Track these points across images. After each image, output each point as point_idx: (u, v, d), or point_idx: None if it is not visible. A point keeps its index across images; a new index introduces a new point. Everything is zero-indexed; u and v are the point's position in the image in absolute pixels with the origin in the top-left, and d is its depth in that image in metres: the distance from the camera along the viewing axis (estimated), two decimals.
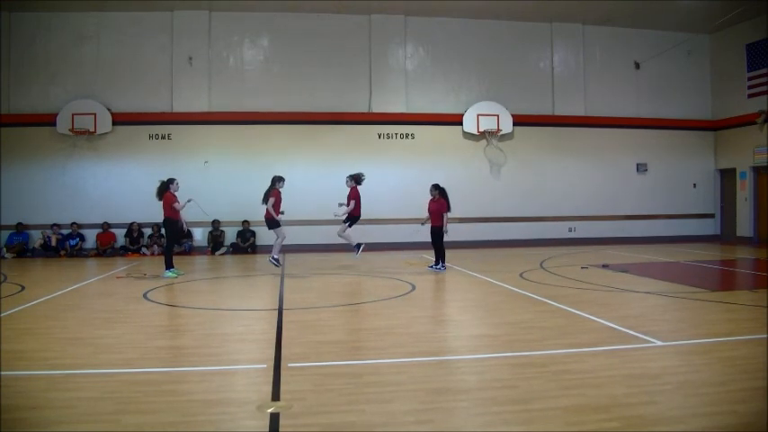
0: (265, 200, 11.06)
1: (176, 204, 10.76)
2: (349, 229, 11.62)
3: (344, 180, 11.78)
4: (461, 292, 9.42)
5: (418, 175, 15.55)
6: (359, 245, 11.64)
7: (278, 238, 11.18)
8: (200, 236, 15.95)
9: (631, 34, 17.92)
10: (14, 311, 7.35)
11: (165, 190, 10.86)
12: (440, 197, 11.37)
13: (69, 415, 3.78)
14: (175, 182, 11.02)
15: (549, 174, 17.43)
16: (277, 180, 11.28)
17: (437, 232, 11.44)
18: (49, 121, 15.32)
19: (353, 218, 11.60)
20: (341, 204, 11.63)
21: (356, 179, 11.66)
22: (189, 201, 10.92)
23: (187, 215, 11.42)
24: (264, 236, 14.64)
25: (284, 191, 11.49)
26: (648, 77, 18.01)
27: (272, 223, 11.11)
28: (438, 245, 11.47)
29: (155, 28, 15.96)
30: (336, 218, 11.71)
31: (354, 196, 11.52)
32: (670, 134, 18.19)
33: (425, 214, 11.66)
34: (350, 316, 7.48)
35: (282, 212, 11.19)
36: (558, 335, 5.96)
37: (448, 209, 11.36)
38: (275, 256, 11.18)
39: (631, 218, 17.88)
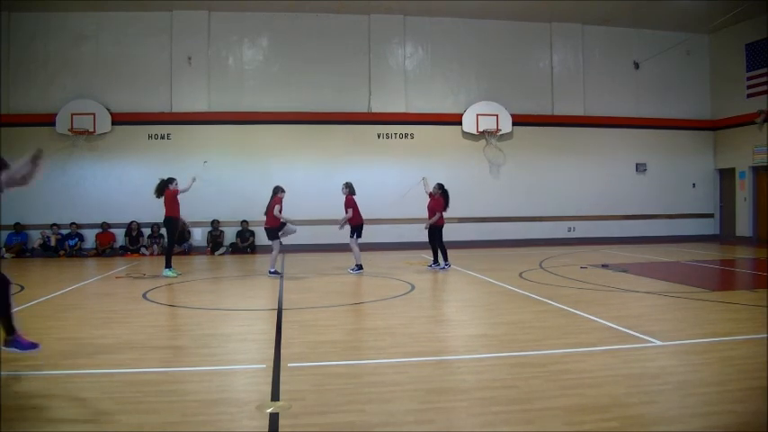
0: (270, 209, 10.93)
1: (177, 201, 10.84)
2: (356, 246, 11.35)
3: (341, 188, 11.46)
4: (461, 291, 9.42)
5: (418, 176, 15.45)
6: (360, 266, 11.31)
7: (274, 249, 11.12)
8: (199, 236, 15.95)
9: (631, 34, 17.92)
10: (14, 311, 7.31)
11: (165, 188, 10.88)
12: (440, 196, 11.41)
13: (69, 415, 3.78)
14: (175, 182, 11.01)
15: (549, 174, 17.43)
16: (279, 190, 11.18)
17: (434, 231, 11.49)
18: (48, 121, 15.31)
19: (357, 228, 11.31)
20: (342, 223, 11.46)
21: (351, 188, 11.39)
22: (194, 180, 11.09)
23: (187, 215, 11.41)
24: (264, 236, 14.62)
25: None
26: (648, 77, 18.01)
27: (272, 234, 11.01)
28: (436, 243, 11.48)
29: (154, 28, 15.95)
30: (341, 229, 11.57)
31: (351, 204, 11.26)
32: (669, 134, 18.19)
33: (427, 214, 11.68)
34: (349, 316, 7.48)
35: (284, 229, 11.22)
36: (558, 335, 5.96)
37: (444, 208, 11.37)
38: (272, 270, 11.01)
39: (631, 218, 17.89)
